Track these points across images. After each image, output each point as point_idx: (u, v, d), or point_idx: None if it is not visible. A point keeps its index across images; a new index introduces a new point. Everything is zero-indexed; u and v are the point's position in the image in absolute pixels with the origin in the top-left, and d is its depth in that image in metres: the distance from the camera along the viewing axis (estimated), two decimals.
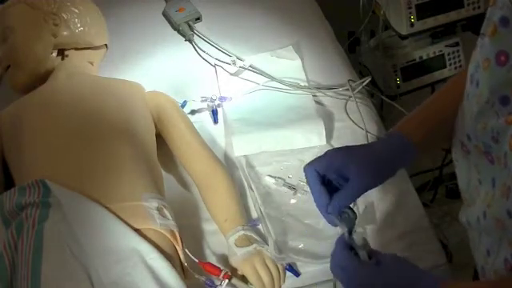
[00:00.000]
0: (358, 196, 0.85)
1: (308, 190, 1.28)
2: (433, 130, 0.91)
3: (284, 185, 1.32)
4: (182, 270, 1.12)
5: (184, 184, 1.35)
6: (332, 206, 0.84)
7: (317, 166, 0.86)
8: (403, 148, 0.88)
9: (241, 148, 1.37)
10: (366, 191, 0.86)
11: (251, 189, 1.31)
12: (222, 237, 1.22)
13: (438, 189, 1.92)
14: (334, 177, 0.86)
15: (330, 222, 0.86)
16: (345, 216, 0.84)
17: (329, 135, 1.40)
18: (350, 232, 0.83)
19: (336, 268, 0.82)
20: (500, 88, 0.72)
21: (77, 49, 1.45)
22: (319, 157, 0.87)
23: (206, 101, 1.48)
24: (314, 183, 0.86)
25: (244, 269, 1.15)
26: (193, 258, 1.13)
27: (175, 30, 1.72)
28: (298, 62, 1.60)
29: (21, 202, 1.05)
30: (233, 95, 1.50)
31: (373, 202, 1.27)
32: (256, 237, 1.20)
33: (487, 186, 0.81)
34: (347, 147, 0.90)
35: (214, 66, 1.60)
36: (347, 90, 1.51)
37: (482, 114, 0.77)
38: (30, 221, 1.01)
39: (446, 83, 0.98)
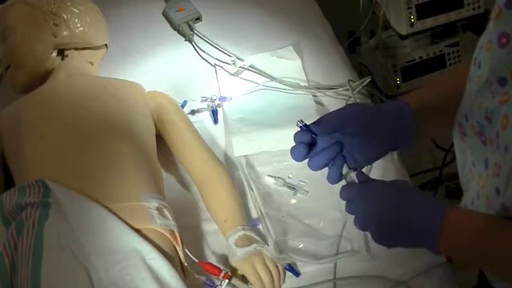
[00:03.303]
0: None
1: (308, 189, 1.29)
2: (433, 105, 0.89)
3: (284, 185, 1.32)
4: (182, 270, 1.12)
5: (184, 184, 1.35)
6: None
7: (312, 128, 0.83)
8: (398, 106, 0.86)
9: (241, 148, 1.37)
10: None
11: (251, 189, 1.31)
12: (222, 237, 1.22)
13: (438, 189, 1.92)
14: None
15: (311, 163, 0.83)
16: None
17: None
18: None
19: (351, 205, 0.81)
20: (499, 69, 0.73)
21: (77, 49, 1.45)
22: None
23: (205, 101, 1.48)
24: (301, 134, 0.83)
25: (244, 269, 1.15)
26: (193, 258, 1.13)
27: (175, 30, 1.72)
28: (298, 62, 1.60)
29: (21, 202, 1.05)
30: (233, 95, 1.50)
31: None
32: (256, 237, 1.20)
33: (480, 167, 0.82)
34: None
35: (214, 66, 1.60)
36: (347, 90, 1.51)
37: (480, 93, 0.78)
38: (30, 221, 1.01)
39: (451, 68, 0.98)
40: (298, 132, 0.83)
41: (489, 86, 0.75)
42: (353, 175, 0.82)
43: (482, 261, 0.77)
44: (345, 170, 0.83)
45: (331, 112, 0.84)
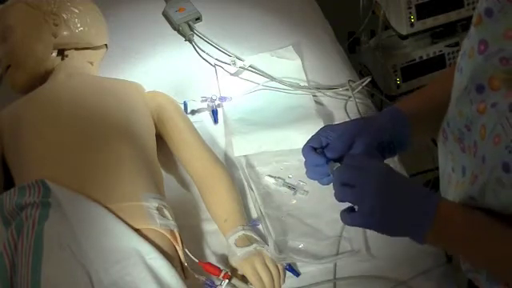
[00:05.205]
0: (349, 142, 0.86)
1: (308, 189, 1.29)
2: (425, 111, 0.92)
3: (284, 185, 1.32)
4: (182, 270, 1.12)
5: (184, 184, 1.35)
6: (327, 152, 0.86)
7: (312, 143, 0.88)
8: (393, 114, 0.89)
9: (241, 148, 1.37)
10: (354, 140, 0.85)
11: (251, 189, 1.31)
12: (222, 237, 1.22)
13: (438, 189, 1.92)
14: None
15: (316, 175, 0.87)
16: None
17: None
18: None
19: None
20: (477, 76, 0.74)
21: (77, 49, 1.45)
22: (312, 136, 0.89)
23: (205, 101, 1.48)
24: (308, 151, 0.87)
25: (244, 269, 1.15)
26: (193, 258, 1.13)
27: (175, 30, 1.72)
28: (298, 61, 1.60)
29: (21, 202, 1.05)
30: (233, 95, 1.50)
31: None
32: (256, 237, 1.20)
33: (458, 174, 0.83)
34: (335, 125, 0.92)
35: (214, 66, 1.60)
36: (347, 89, 1.51)
37: (460, 100, 0.79)
38: (30, 221, 1.01)
39: (445, 71, 1.00)
40: (312, 156, 0.87)
41: (468, 92, 0.76)
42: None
43: (471, 255, 0.78)
44: (332, 165, 0.85)
45: (335, 128, 0.88)
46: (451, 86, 0.84)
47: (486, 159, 0.73)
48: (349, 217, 0.79)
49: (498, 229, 0.73)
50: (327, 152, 0.86)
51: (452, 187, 0.86)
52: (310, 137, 1.39)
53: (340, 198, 0.80)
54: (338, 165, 0.84)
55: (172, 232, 1.11)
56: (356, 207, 0.79)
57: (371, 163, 0.79)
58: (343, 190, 0.79)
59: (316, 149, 0.87)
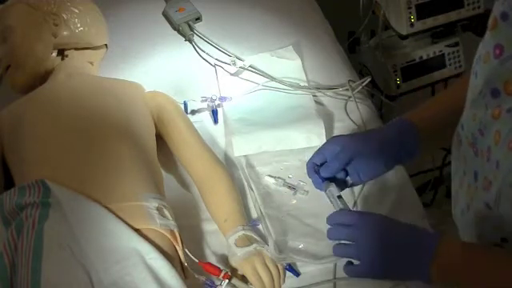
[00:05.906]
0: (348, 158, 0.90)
1: (308, 189, 1.29)
2: (437, 121, 0.93)
3: (284, 185, 1.32)
4: (182, 270, 1.12)
5: (184, 184, 1.35)
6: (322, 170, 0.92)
7: (315, 159, 0.93)
8: (403, 127, 0.91)
9: (241, 148, 1.37)
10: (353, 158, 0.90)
11: (251, 189, 1.31)
12: (222, 237, 1.22)
13: (438, 189, 1.92)
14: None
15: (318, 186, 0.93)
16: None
17: (329, 135, 1.40)
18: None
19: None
20: (493, 80, 0.74)
21: (77, 49, 1.45)
22: (317, 150, 0.94)
23: (205, 101, 1.48)
24: (309, 169, 0.93)
25: (244, 269, 1.15)
26: (193, 258, 1.13)
27: (175, 30, 1.72)
28: (298, 61, 1.60)
29: (21, 202, 1.05)
30: (233, 95, 1.50)
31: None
32: (256, 237, 1.20)
33: (470, 177, 0.83)
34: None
35: (214, 66, 1.60)
36: (347, 89, 1.51)
37: (475, 104, 0.79)
38: (30, 221, 1.01)
39: (455, 81, 1.00)
40: (312, 175, 0.94)
41: (483, 97, 0.76)
42: (332, 189, 0.90)
43: None
44: (326, 185, 0.91)
45: (339, 142, 0.92)
46: (465, 94, 0.85)
47: (499, 165, 0.73)
48: (352, 271, 0.83)
49: (498, 266, 0.74)
50: (322, 171, 0.91)
51: (463, 191, 0.86)
52: (309, 137, 1.40)
53: (338, 253, 0.84)
54: (332, 184, 0.89)
55: (172, 232, 1.11)
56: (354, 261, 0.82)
57: (361, 218, 0.82)
58: (340, 247, 0.84)
59: (318, 164, 0.92)
